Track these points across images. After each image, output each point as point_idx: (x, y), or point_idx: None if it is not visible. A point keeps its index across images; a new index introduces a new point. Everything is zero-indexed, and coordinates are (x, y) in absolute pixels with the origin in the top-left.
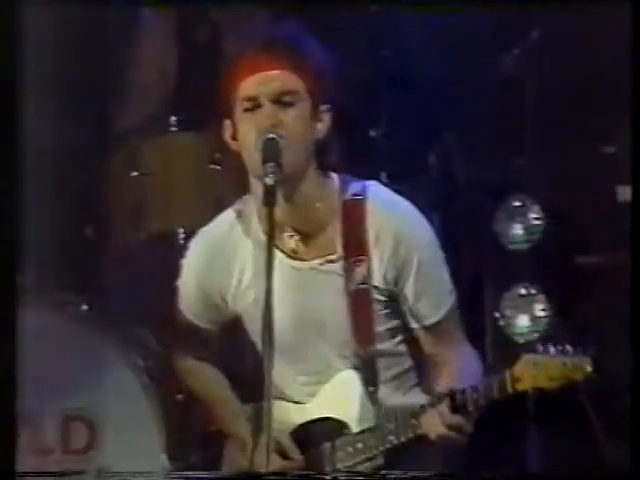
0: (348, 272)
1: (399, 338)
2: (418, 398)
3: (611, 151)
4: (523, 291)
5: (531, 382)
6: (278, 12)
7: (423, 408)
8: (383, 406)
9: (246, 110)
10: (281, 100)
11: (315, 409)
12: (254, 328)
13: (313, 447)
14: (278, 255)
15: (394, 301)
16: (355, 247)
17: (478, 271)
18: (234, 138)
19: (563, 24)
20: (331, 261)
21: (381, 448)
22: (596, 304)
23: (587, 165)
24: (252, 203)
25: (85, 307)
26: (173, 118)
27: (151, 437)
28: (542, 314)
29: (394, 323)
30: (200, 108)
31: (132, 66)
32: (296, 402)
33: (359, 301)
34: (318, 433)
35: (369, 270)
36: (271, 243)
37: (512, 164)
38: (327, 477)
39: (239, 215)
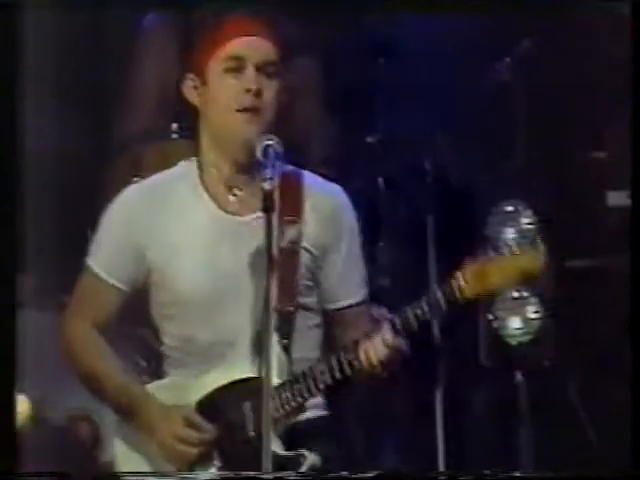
0: (279, 229)
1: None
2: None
3: (603, 156)
4: (516, 294)
5: (480, 285)
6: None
7: (360, 339)
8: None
9: (227, 70)
10: (264, 69)
11: (221, 375)
12: (166, 286)
13: (232, 410)
14: (211, 206)
15: (316, 273)
16: (290, 208)
17: None
18: (199, 94)
19: (556, 31)
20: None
21: (313, 391)
22: (588, 307)
23: (579, 170)
24: (205, 160)
25: None
26: (174, 125)
27: None
28: (534, 316)
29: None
30: None
31: (133, 72)
32: (201, 370)
33: (285, 260)
34: (234, 396)
35: (301, 231)
36: (270, 248)
37: (505, 169)
38: (343, 474)
39: (187, 170)
